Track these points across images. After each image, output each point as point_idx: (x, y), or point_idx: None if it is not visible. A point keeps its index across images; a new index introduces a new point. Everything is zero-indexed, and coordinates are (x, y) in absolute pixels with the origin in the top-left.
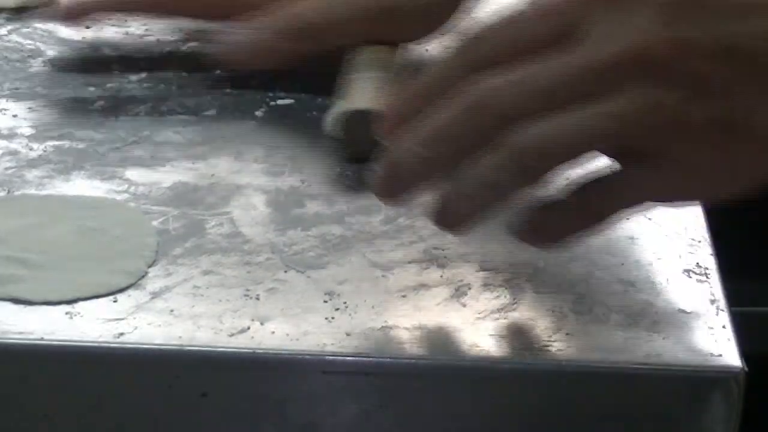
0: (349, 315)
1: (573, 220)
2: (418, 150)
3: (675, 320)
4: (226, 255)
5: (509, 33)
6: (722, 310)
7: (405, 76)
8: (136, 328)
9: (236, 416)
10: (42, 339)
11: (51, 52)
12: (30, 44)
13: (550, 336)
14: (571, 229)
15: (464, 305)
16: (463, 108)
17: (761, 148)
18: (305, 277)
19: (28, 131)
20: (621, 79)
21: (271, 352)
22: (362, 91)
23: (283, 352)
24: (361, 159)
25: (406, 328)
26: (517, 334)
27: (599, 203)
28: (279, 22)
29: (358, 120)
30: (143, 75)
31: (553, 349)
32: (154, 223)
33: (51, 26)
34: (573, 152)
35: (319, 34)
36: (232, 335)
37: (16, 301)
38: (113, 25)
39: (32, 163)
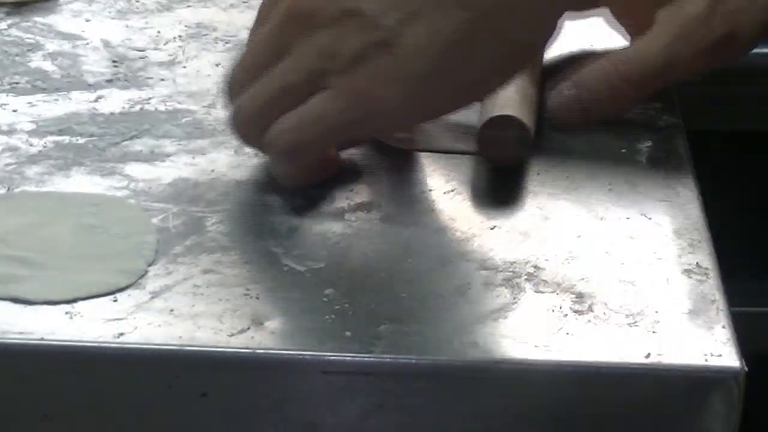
0: (350, 314)
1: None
2: None
3: (675, 320)
4: (226, 253)
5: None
6: (722, 310)
7: None
8: (136, 328)
9: (236, 416)
10: (42, 339)
11: (51, 47)
12: (30, 38)
13: (550, 336)
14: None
15: (465, 305)
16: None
17: (412, 64)
18: (305, 276)
19: (28, 126)
20: (289, 39)
21: (271, 352)
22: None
23: (283, 352)
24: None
25: (406, 328)
26: (517, 334)
27: (294, 135)
28: None
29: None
30: (142, 67)
31: (553, 349)
32: (154, 220)
33: (51, 20)
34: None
35: None
36: (232, 335)
37: (16, 300)
38: (113, 18)
39: (32, 159)
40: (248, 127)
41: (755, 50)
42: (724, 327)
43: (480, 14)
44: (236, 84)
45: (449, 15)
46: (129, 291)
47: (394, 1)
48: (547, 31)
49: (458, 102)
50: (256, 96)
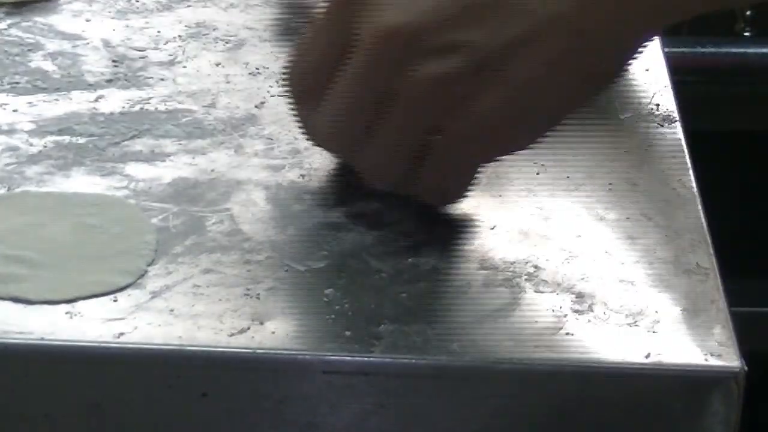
0: (350, 315)
1: None
2: None
3: (675, 320)
4: (226, 253)
5: (303, 64)
6: (722, 310)
7: None
8: (136, 328)
9: (236, 416)
10: (42, 339)
11: (51, 47)
12: (30, 38)
13: (550, 336)
14: None
15: (464, 305)
16: None
17: (525, 97)
18: (305, 276)
19: (28, 126)
20: (377, 74)
21: (271, 352)
22: None
23: (283, 352)
24: None
25: (406, 328)
26: (517, 334)
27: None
28: None
29: None
30: (142, 67)
31: (553, 349)
32: (154, 220)
33: (51, 20)
34: (399, 162)
35: None
36: (232, 335)
37: (16, 300)
38: (113, 18)
39: (32, 159)
40: (348, 147)
41: (755, 50)
42: (724, 327)
43: (585, 34)
44: (312, 90)
45: (558, 40)
46: (129, 291)
47: (501, 29)
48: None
49: (548, 128)
50: (377, 141)
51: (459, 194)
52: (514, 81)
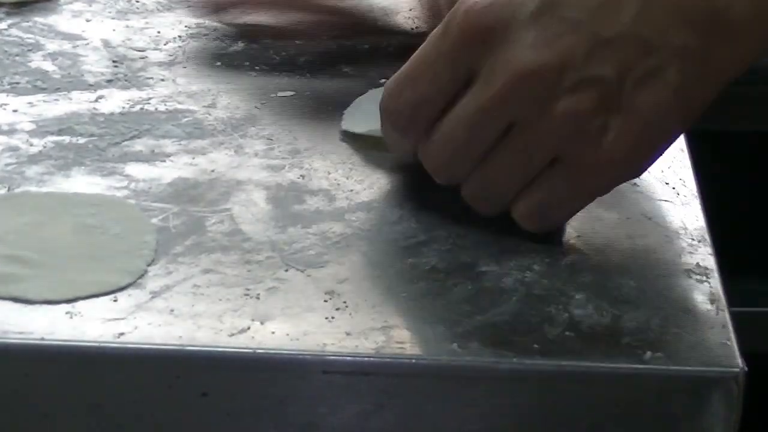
0: (350, 315)
1: None
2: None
3: (675, 320)
4: (226, 253)
5: (415, 96)
6: (722, 310)
7: None
8: (136, 327)
9: (236, 416)
10: (42, 339)
11: (51, 47)
12: (30, 38)
13: (551, 336)
14: None
15: (465, 305)
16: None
17: (653, 126)
18: (305, 276)
19: (28, 126)
20: (509, 109)
21: (271, 352)
22: None
23: (283, 352)
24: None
25: (407, 328)
26: (516, 334)
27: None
28: None
29: None
30: (142, 67)
31: (553, 350)
32: (154, 220)
33: (51, 20)
34: (513, 187)
35: None
36: (232, 335)
37: (16, 300)
38: (113, 19)
39: (32, 159)
40: (459, 175)
41: None
42: (724, 327)
43: (709, 63)
44: (422, 121)
45: (684, 70)
46: (129, 291)
47: (630, 63)
48: None
49: (662, 154)
50: (495, 167)
51: (561, 222)
52: (642, 110)
